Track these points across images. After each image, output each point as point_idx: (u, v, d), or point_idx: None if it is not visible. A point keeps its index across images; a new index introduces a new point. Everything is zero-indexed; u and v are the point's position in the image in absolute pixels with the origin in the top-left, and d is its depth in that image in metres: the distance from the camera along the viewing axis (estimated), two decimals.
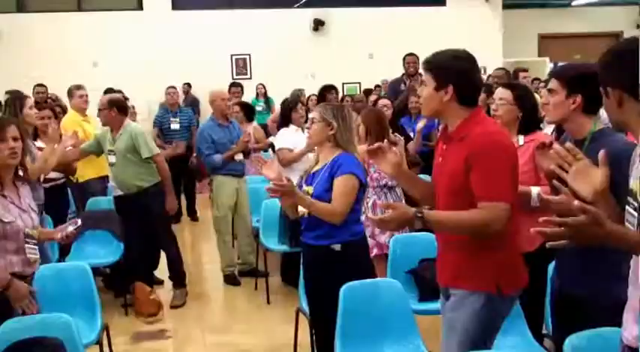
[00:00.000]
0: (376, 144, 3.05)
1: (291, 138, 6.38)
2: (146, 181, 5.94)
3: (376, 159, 3.07)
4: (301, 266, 4.05)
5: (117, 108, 5.92)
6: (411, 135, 7.64)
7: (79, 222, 3.89)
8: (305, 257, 3.91)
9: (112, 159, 5.98)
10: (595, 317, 2.60)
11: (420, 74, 8.58)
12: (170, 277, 6.31)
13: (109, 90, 10.00)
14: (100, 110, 6.04)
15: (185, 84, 12.64)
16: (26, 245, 3.51)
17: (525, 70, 9.32)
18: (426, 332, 3.78)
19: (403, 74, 8.73)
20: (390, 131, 5.55)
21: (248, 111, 8.25)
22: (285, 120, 6.60)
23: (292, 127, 6.47)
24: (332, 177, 3.66)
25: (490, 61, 10.84)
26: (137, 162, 5.88)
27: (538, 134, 3.97)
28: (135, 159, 5.87)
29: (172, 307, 6.03)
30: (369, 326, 3.65)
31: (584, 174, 2.23)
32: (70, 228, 3.81)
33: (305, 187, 3.76)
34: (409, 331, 3.69)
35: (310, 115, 3.89)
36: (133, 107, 6.71)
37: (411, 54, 8.71)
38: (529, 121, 3.91)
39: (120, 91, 10.08)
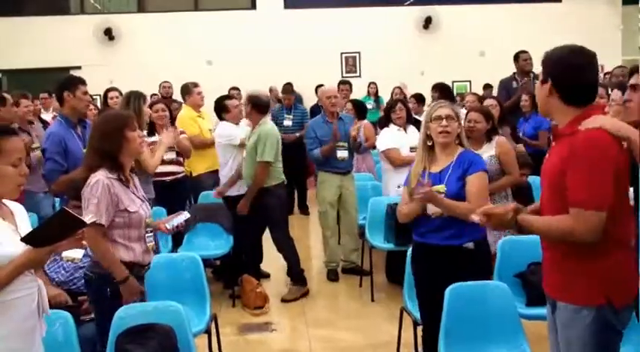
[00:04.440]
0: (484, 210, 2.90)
1: (394, 138, 6.39)
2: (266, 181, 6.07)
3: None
4: (405, 265, 4.01)
5: (252, 104, 6.12)
6: (520, 135, 7.46)
7: (187, 214, 3.99)
8: (430, 257, 3.83)
9: (244, 153, 6.21)
10: None
11: (531, 72, 8.33)
12: (288, 274, 6.42)
13: (233, 89, 10.39)
14: (244, 105, 6.34)
15: (286, 83, 12.77)
16: (146, 235, 3.67)
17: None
18: (533, 338, 3.68)
19: (514, 72, 8.49)
20: (500, 132, 5.45)
21: (359, 110, 8.21)
22: (385, 120, 6.63)
23: (393, 127, 6.49)
24: (464, 175, 3.66)
25: (608, 59, 10.40)
26: (256, 162, 6.03)
27: None
28: (255, 157, 6.02)
29: (283, 300, 6.14)
30: (474, 328, 3.59)
31: None
32: (179, 220, 3.91)
33: (423, 184, 3.70)
34: (515, 335, 3.61)
35: (444, 112, 3.78)
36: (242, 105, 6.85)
37: (524, 51, 8.45)
38: None
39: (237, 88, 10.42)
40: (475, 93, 8.29)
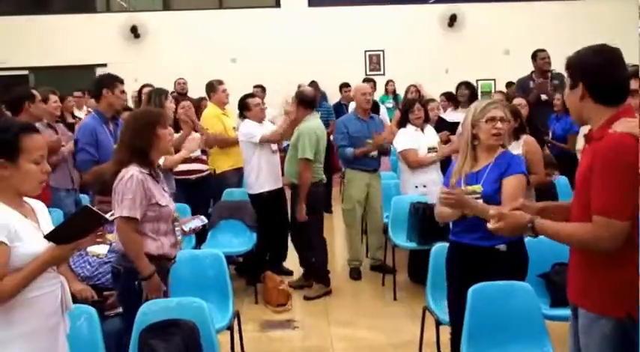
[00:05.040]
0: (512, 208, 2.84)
1: (411, 139, 6.38)
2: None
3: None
4: (428, 264, 3.98)
5: (298, 100, 6.20)
6: (549, 134, 7.40)
7: (204, 219, 4.06)
8: (463, 257, 3.80)
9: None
10: None
11: (549, 72, 8.23)
12: (305, 274, 6.44)
13: (256, 87, 10.43)
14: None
15: (311, 82, 12.83)
16: (175, 229, 3.74)
17: None
18: (557, 339, 3.65)
19: (532, 71, 8.40)
20: (527, 129, 5.42)
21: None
22: (403, 120, 6.62)
23: (410, 127, 6.47)
24: (501, 177, 3.62)
25: (635, 58, 10.24)
26: (297, 159, 6.08)
27: None
28: (296, 154, 6.07)
29: (305, 298, 6.16)
30: (497, 329, 3.57)
31: None
32: (196, 224, 3.98)
33: (465, 187, 3.66)
34: (539, 336, 3.58)
35: (498, 113, 3.71)
36: (264, 103, 6.87)
37: (542, 50, 8.36)
38: None
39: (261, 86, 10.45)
40: (502, 92, 8.22)
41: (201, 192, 6.27)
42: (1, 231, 2.45)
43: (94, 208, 2.64)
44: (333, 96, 12.86)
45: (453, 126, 7.17)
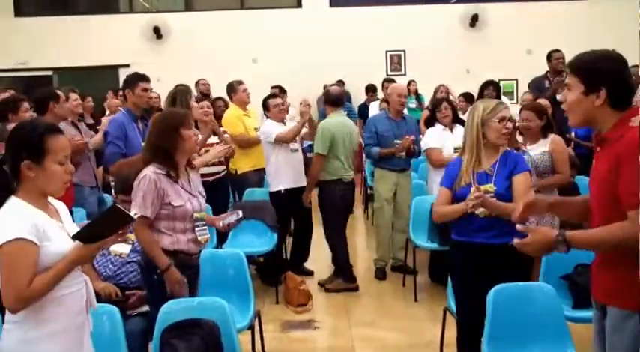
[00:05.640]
0: (525, 205, 2.89)
1: (438, 138, 6.37)
2: (321, 175, 6.19)
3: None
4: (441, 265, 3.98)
5: (325, 99, 6.41)
6: (572, 134, 7.34)
7: (240, 213, 4.11)
8: (474, 256, 3.79)
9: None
10: None
11: (565, 72, 8.17)
12: (335, 271, 6.47)
13: (274, 87, 10.47)
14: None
15: (338, 81, 12.82)
16: (196, 228, 3.77)
17: None
18: (580, 341, 3.62)
19: (547, 71, 8.38)
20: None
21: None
22: (431, 119, 6.64)
23: (439, 126, 6.46)
24: (511, 175, 3.68)
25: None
26: None
27: None
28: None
29: (326, 290, 6.24)
30: (518, 330, 3.56)
31: None
32: (232, 219, 4.04)
33: (476, 186, 3.67)
34: (561, 338, 3.56)
35: (508, 114, 3.79)
36: (288, 103, 6.91)
37: (557, 50, 8.35)
38: None
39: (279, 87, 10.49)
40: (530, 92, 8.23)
41: (218, 194, 6.29)
42: (30, 230, 2.48)
43: (121, 207, 2.66)
44: (355, 97, 12.86)
45: None
